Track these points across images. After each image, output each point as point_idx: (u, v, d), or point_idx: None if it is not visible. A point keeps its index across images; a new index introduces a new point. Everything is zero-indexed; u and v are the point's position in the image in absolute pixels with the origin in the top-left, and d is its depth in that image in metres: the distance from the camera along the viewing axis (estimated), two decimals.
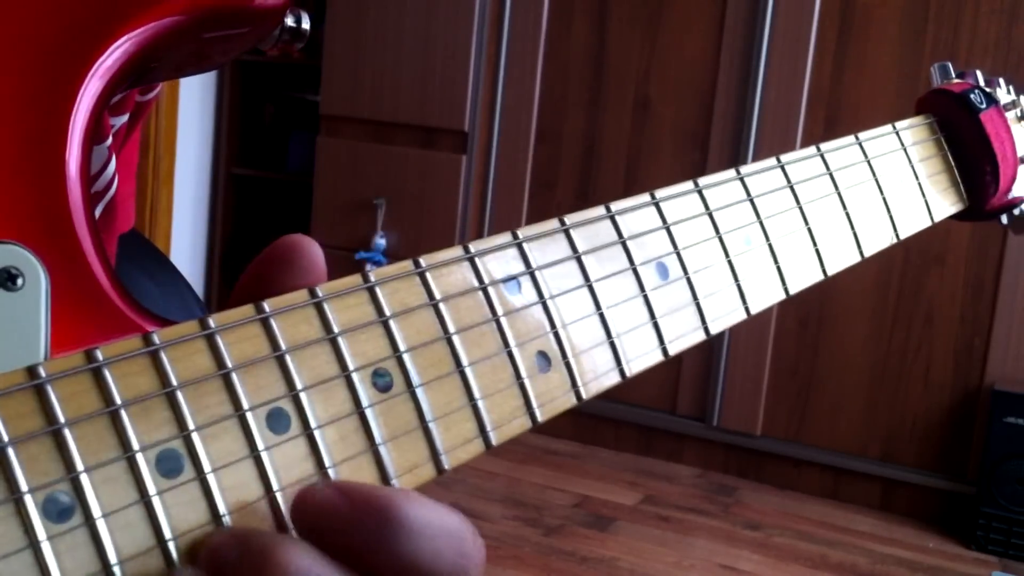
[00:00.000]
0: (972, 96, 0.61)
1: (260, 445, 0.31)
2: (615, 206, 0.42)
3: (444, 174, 2.89)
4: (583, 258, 0.40)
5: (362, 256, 2.92)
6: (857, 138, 0.54)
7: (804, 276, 0.48)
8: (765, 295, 0.47)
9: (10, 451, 0.27)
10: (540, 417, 0.37)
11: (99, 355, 0.28)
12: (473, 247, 0.37)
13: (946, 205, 0.59)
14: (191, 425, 0.30)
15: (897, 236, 0.54)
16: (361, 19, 2.96)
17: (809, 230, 0.49)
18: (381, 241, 2.94)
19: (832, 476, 2.65)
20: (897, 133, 0.57)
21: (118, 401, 0.29)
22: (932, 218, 0.58)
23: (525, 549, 2.17)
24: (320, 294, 0.33)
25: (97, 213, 0.41)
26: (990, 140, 0.60)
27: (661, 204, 0.43)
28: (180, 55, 0.37)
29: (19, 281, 0.30)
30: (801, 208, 0.49)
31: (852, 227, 0.51)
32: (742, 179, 0.47)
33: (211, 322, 0.31)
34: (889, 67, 2.45)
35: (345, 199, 3.01)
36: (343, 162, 3.02)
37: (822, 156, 0.51)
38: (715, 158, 2.65)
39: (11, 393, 0.27)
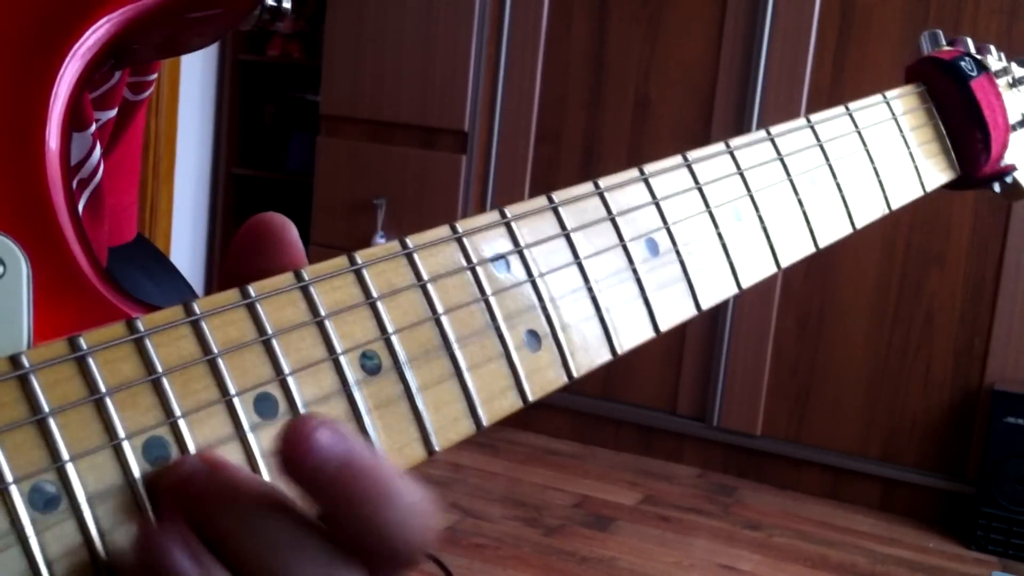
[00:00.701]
0: (962, 64, 0.60)
1: (248, 429, 0.30)
2: (603, 182, 0.41)
3: (444, 174, 2.89)
4: (572, 235, 0.39)
5: None
6: (847, 108, 0.53)
7: (795, 249, 0.48)
8: (756, 269, 0.46)
9: None
10: (531, 396, 0.37)
11: (82, 342, 0.28)
12: (460, 226, 0.36)
13: (938, 174, 0.58)
14: (177, 411, 0.29)
15: (889, 207, 0.54)
16: (361, 19, 2.96)
17: (800, 202, 0.48)
18: (381, 241, 2.93)
19: (832, 476, 2.64)
20: (887, 102, 0.56)
21: (103, 388, 0.28)
22: (924, 187, 0.57)
23: (525, 549, 2.17)
24: (306, 277, 0.32)
25: (83, 201, 0.40)
26: (981, 108, 0.59)
27: (650, 179, 0.43)
28: (160, 36, 0.37)
29: (0, 269, 0.30)
30: (791, 180, 0.48)
31: (843, 198, 0.51)
32: (731, 152, 0.46)
33: (196, 307, 0.30)
34: (889, 67, 2.45)
35: (345, 199, 3.00)
36: (343, 162, 3.02)
37: (812, 127, 0.50)
38: None
39: None
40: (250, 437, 0.30)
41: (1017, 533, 2.36)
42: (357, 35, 2.97)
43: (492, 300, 0.36)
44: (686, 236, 0.43)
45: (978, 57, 0.62)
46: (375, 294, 0.34)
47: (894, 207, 0.54)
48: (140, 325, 0.29)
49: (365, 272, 0.34)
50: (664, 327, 0.41)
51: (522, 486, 2.53)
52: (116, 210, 0.50)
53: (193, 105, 3.24)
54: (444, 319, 0.35)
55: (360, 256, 0.34)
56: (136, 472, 0.28)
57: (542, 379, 0.37)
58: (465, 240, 0.36)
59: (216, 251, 3.39)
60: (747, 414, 2.67)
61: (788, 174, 0.48)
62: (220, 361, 0.30)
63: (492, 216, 0.37)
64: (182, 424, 0.29)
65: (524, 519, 2.33)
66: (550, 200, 0.39)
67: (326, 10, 3.01)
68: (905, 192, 0.55)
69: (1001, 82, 0.62)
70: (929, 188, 0.57)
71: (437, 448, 0.34)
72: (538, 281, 0.38)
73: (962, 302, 2.48)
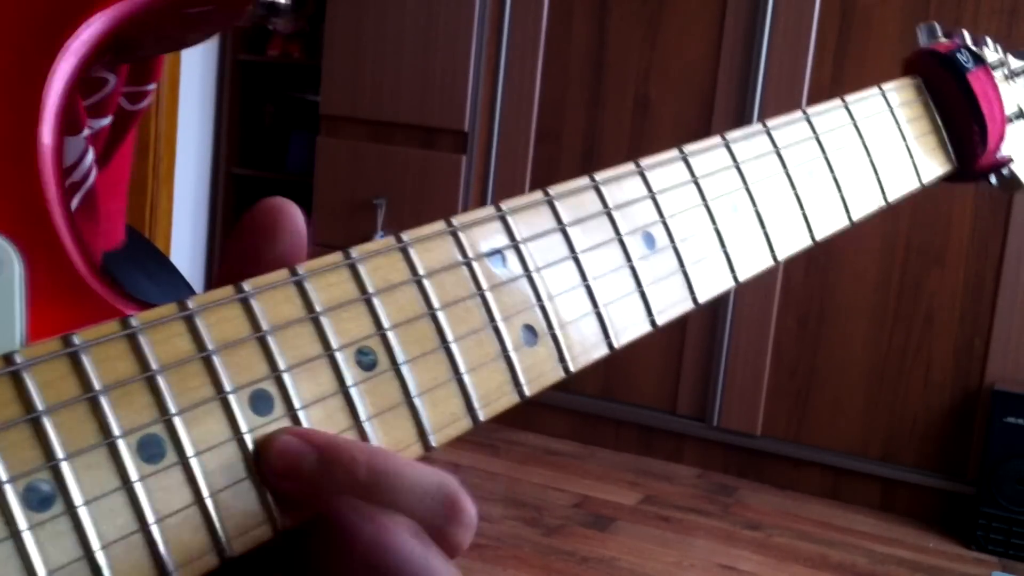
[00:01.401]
0: (959, 56, 0.60)
1: (244, 427, 0.30)
2: (599, 176, 0.41)
3: (444, 174, 2.89)
4: (568, 229, 0.39)
5: None
6: (843, 100, 0.53)
7: (792, 242, 0.47)
8: (753, 262, 0.46)
9: None
10: (528, 391, 0.37)
11: (76, 340, 0.28)
12: (456, 221, 0.36)
13: (934, 167, 0.58)
14: (172, 409, 0.29)
15: (886, 199, 0.53)
16: (361, 19, 2.96)
17: (796, 195, 0.48)
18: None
19: (832, 476, 2.64)
20: (884, 94, 0.56)
21: (97, 386, 0.28)
22: (921, 180, 0.57)
23: (525, 549, 2.17)
24: (301, 272, 0.32)
25: (75, 204, 0.40)
26: (978, 100, 0.59)
27: (646, 172, 0.42)
28: (156, 32, 0.37)
29: None
30: (788, 173, 0.48)
31: (840, 191, 0.51)
32: (727, 145, 0.46)
33: (190, 304, 0.30)
34: (889, 67, 2.45)
35: (345, 199, 3.00)
36: (343, 162, 3.02)
37: (808, 119, 0.50)
38: None
39: None
40: (246, 435, 0.30)
41: (1017, 533, 2.36)
42: (357, 35, 2.97)
43: (488, 295, 0.36)
44: (683, 230, 0.43)
45: (975, 49, 0.62)
46: (371, 290, 0.34)
47: (891, 200, 0.54)
48: (134, 322, 0.29)
49: (360, 267, 0.34)
50: (661, 321, 0.41)
51: (522, 486, 2.53)
52: (109, 215, 0.50)
53: (193, 105, 3.24)
54: (440, 315, 0.35)
55: (356, 251, 0.34)
56: (132, 472, 0.28)
57: (539, 375, 0.37)
58: (461, 234, 0.36)
59: (216, 251, 3.39)
60: (747, 414, 2.67)
61: (785, 166, 0.48)
62: (216, 358, 0.30)
63: (488, 210, 0.37)
64: (177, 422, 0.29)
65: (524, 519, 2.33)
66: (546, 194, 0.39)
67: (326, 10, 3.01)
68: (902, 184, 0.55)
69: (997, 74, 0.62)
70: (926, 180, 0.57)
71: (434, 444, 0.34)
72: (534, 276, 0.38)
73: (962, 302, 2.48)
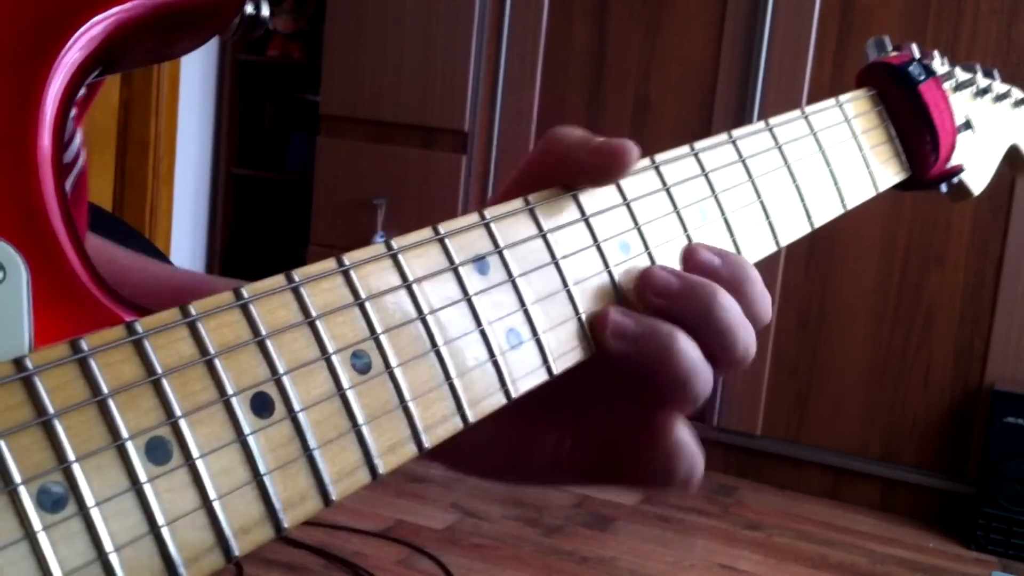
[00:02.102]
0: (911, 69, 0.62)
1: (246, 430, 0.31)
2: (582, 197, 0.44)
3: (444, 174, 2.89)
4: (548, 236, 0.42)
5: None
6: (803, 112, 0.55)
7: (758, 248, 0.50)
8: None
9: (1, 443, 0.27)
10: (514, 392, 0.39)
11: (84, 345, 0.29)
12: (443, 228, 0.39)
13: (889, 175, 0.60)
14: (177, 412, 0.30)
15: (845, 206, 0.56)
16: (361, 19, 2.96)
17: (762, 203, 0.50)
18: (380, 241, 2.91)
19: (832, 476, 2.65)
20: (840, 106, 0.58)
21: (105, 390, 0.29)
22: (876, 187, 0.59)
23: (525, 549, 2.17)
24: (296, 279, 0.34)
25: (68, 186, 0.40)
26: (929, 111, 0.61)
27: (620, 182, 0.45)
28: (149, 41, 0.37)
29: (1, 275, 0.30)
30: (753, 181, 0.50)
31: (802, 198, 0.53)
32: (696, 154, 0.48)
33: (192, 309, 0.31)
34: None
35: (345, 199, 3.01)
36: (343, 162, 3.02)
37: (771, 130, 0.52)
38: None
39: None
40: (248, 437, 0.31)
41: (1017, 533, 2.36)
42: (357, 35, 2.97)
43: (474, 300, 0.38)
44: (656, 237, 0.45)
45: (925, 62, 0.64)
46: (363, 295, 0.35)
47: (849, 206, 0.56)
48: (139, 327, 0.30)
49: (352, 273, 0.35)
50: None
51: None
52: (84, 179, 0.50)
53: (193, 105, 3.24)
54: (429, 319, 0.37)
55: (347, 258, 0.36)
56: (141, 473, 0.29)
57: (524, 376, 0.39)
58: (447, 241, 0.38)
59: (216, 251, 3.39)
60: (747, 414, 2.68)
61: (750, 175, 0.50)
62: (217, 362, 0.31)
63: (472, 218, 0.40)
64: (182, 424, 0.30)
65: (524, 519, 2.33)
66: (526, 202, 0.42)
67: (326, 10, 3.01)
68: (859, 192, 0.57)
69: (947, 85, 0.64)
70: (881, 188, 0.59)
71: (427, 444, 0.35)
72: (518, 281, 0.40)
73: (962, 302, 2.49)
